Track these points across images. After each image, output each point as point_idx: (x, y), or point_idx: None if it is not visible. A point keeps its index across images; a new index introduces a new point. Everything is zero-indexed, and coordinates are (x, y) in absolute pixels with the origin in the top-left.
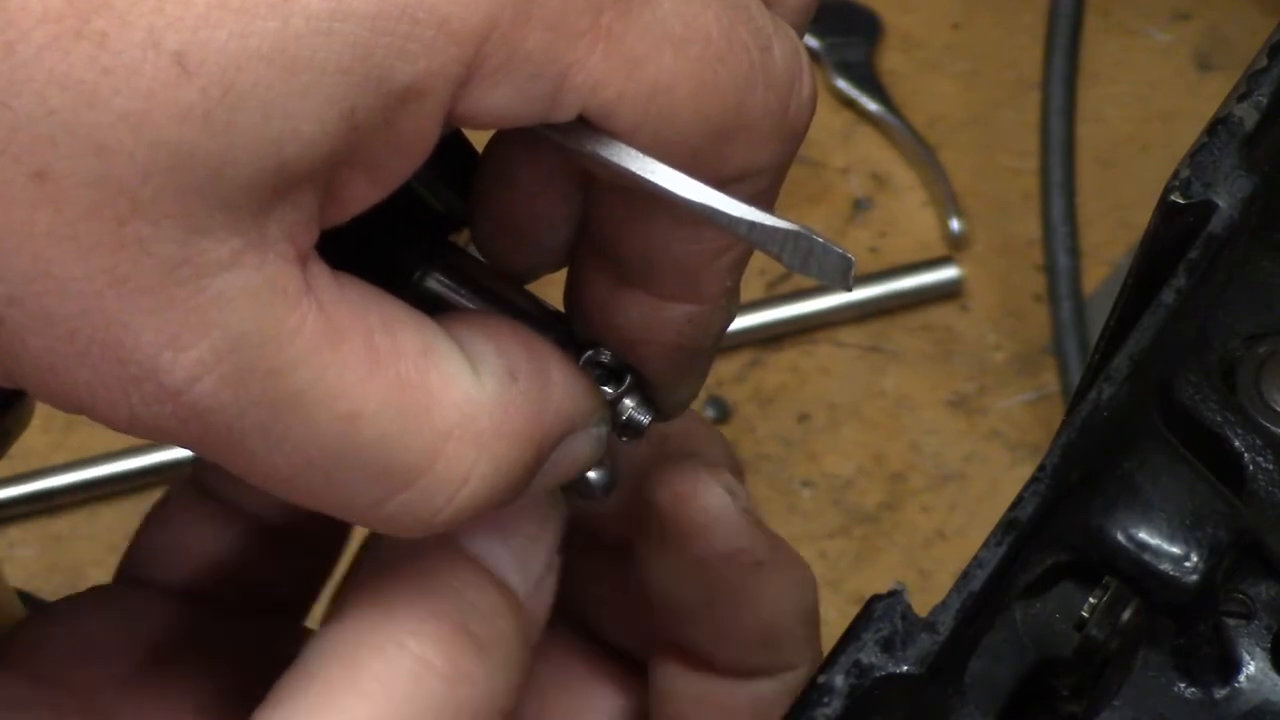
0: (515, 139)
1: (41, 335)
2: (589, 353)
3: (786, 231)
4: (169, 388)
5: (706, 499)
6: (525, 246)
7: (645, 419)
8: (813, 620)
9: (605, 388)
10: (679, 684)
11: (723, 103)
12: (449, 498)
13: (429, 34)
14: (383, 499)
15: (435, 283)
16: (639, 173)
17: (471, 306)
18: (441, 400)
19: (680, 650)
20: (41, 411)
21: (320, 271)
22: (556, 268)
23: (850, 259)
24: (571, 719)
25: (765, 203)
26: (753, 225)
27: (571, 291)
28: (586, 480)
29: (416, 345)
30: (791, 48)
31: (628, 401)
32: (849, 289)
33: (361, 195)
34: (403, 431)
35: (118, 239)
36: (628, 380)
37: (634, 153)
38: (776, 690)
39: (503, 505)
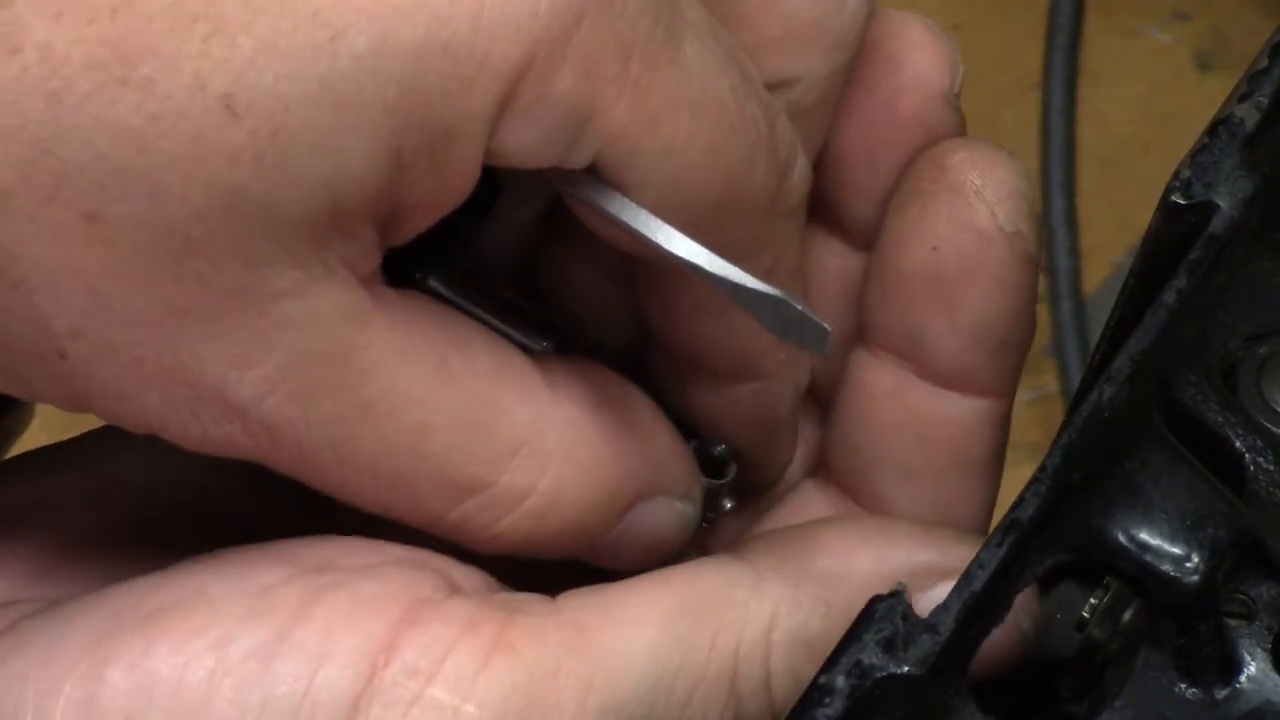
0: (567, 244)
1: (107, 365)
2: (694, 443)
3: (767, 296)
4: (236, 406)
5: (995, 158)
6: (591, 343)
7: (730, 505)
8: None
9: (711, 479)
10: (880, 382)
11: (729, 172)
12: (508, 509)
13: (469, 72)
14: (446, 509)
15: (437, 283)
16: (631, 223)
17: (476, 310)
18: (513, 417)
19: (895, 337)
20: (41, 411)
21: (388, 293)
22: (626, 358)
23: (826, 329)
24: None
25: (780, 279)
26: (735, 286)
27: (647, 382)
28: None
29: (491, 363)
30: (791, 128)
31: (727, 500)
32: (825, 356)
33: (414, 224)
34: (470, 444)
35: (174, 274)
36: (731, 472)
37: (631, 205)
38: (978, 419)
39: (567, 546)
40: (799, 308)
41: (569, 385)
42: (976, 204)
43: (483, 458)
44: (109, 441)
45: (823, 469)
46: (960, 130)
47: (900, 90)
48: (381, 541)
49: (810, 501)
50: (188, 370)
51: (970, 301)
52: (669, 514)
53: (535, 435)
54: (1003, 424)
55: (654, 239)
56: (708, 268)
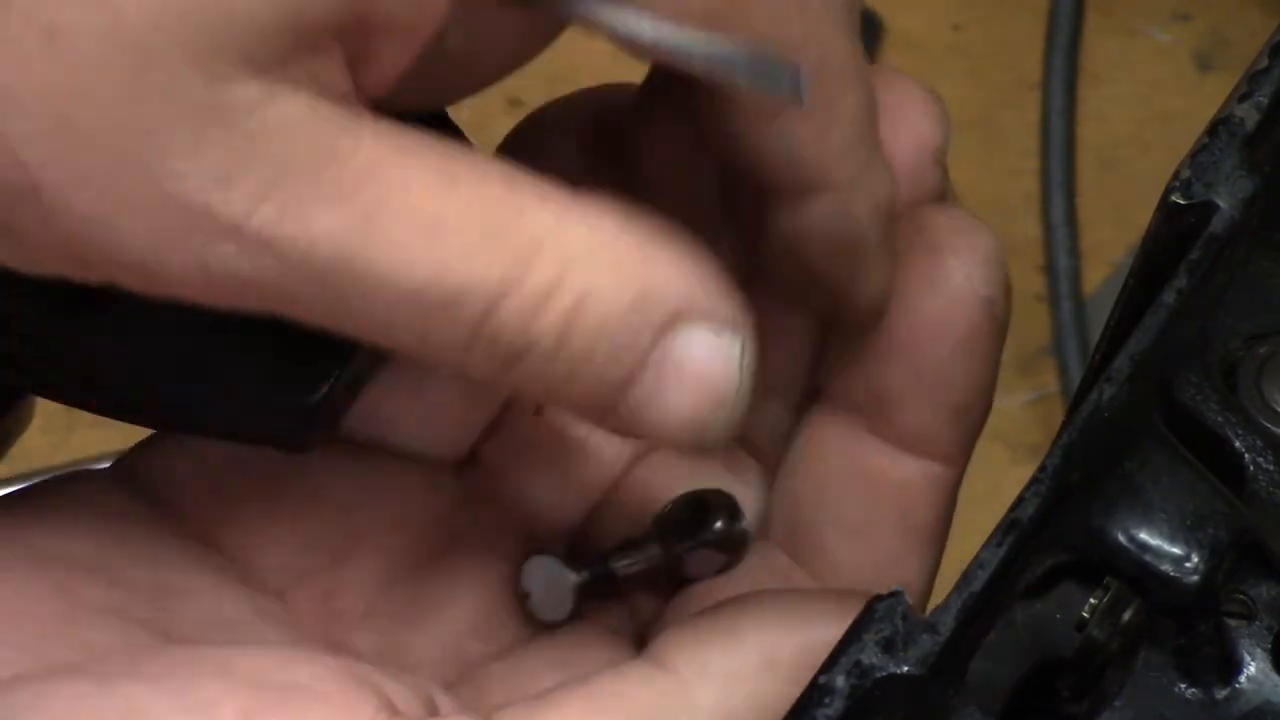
0: (651, 117)
1: (84, 191)
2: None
3: (726, 53)
4: (228, 222)
5: (973, 225)
6: (685, 203)
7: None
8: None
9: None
10: (835, 438)
11: None
12: (537, 309)
13: None
14: (477, 322)
15: None
16: (589, 15)
17: None
18: (532, 216)
19: (856, 394)
20: (42, 412)
21: (374, 113)
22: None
23: (796, 65)
24: None
25: (833, 73)
26: (692, 54)
27: (731, 223)
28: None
29: (501, 171)
30: None
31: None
32: (803, 101)
33: (389, 55)
34: (488, 244)
35: (137, 91)
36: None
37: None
38: (930, 483)
39: (604, 366)
40: (766, 56)
41: (594, 197)
42: (953, 266)
43: (504, 258)
44: (26, 504)
45: (763, 526)
46: (943, 192)
47: (892, 142)
48: (318, 654)
49: (745, 565)
50: (168, 193)
51: (938, 363)
52: (713, 349)
53: (557, 232)
54: (952, 493)
55: (610, 24)
56: (665, 41)
